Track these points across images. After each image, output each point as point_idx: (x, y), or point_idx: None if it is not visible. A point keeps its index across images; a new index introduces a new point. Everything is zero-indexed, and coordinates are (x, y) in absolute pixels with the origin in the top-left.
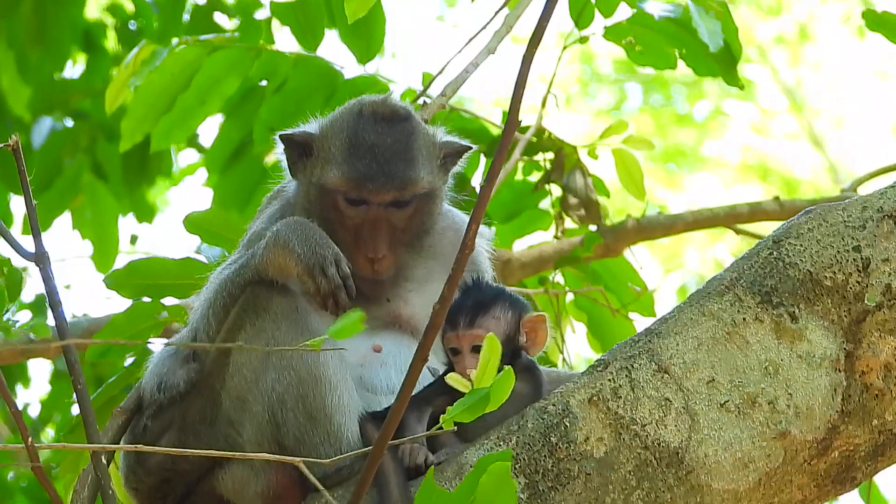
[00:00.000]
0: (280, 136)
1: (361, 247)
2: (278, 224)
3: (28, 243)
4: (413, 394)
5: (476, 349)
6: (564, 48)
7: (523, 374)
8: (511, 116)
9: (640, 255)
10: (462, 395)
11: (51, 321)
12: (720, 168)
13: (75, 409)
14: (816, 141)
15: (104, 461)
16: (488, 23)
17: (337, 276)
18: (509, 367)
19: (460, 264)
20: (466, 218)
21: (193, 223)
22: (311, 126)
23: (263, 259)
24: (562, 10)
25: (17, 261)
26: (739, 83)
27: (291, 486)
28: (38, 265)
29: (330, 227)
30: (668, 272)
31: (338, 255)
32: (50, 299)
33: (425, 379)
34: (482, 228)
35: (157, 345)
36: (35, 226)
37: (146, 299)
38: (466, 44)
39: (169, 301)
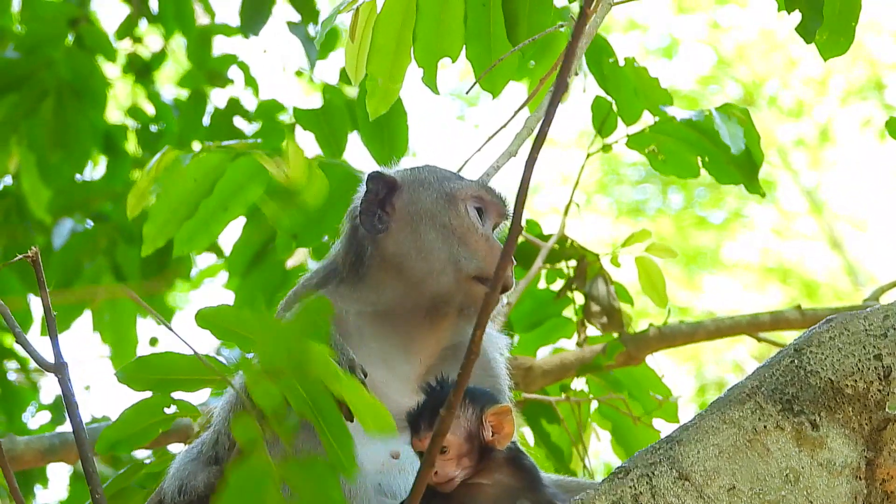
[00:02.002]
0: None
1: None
2: None
3: (47, 345)
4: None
5: (442, 451)
6: (587, 157)
7: (506, 466)
8: (514, 222)
9: (661, 358)
10: (452, 495)
11: (68, 427)
12: (740, 270)
13: None
14: (836, 243)
15: None
16: (507, 123)
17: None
18: None
19: (466, 370)
20: (500, 335)
21: (205, 319)
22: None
23: None
24: (584, 112)
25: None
26: (761, 191)
27: None
28: (56, 375)
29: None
30: (690, 374)
31: (352, 361)
32: (68, 409)
33: None
34: (499, 337)
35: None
36: (54, 334)
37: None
38: (485, 143)
39: (179, 396)
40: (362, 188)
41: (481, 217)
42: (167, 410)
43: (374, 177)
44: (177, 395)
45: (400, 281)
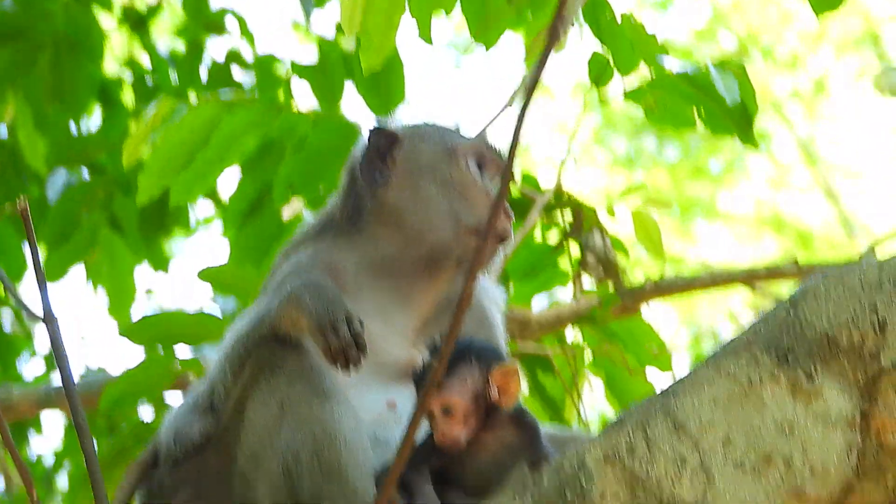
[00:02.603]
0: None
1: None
2: (293, 281)
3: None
4: (411, 457)
5: (446, 411)
6: (584, 111)
7: (510, 423)
8: (505, 174)
9: (656, 307)
10: (454, 455)
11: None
12: (735, 221)
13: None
14: (831, 194)
15: None
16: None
17: (348, 334)
18: None
19: (457, 320)
20: (496, 287)
21: (209, 277)
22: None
23: (277, 315)
24: (580, 63)
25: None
26: (755, 144)
27: None
28: (46, 325)
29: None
30: (685, 322)
31: (349, 313)
32: (58, 360)
33: None
34: (495, 290)
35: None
36: (43, 286)
37: (160, 349)
38: (495, 117)
39: (183, 352)
40: (363, 142)
41: (481, 172)
42: (172, 367)
43: (376, 131)
44: (178, 346)
45: (399, 234)
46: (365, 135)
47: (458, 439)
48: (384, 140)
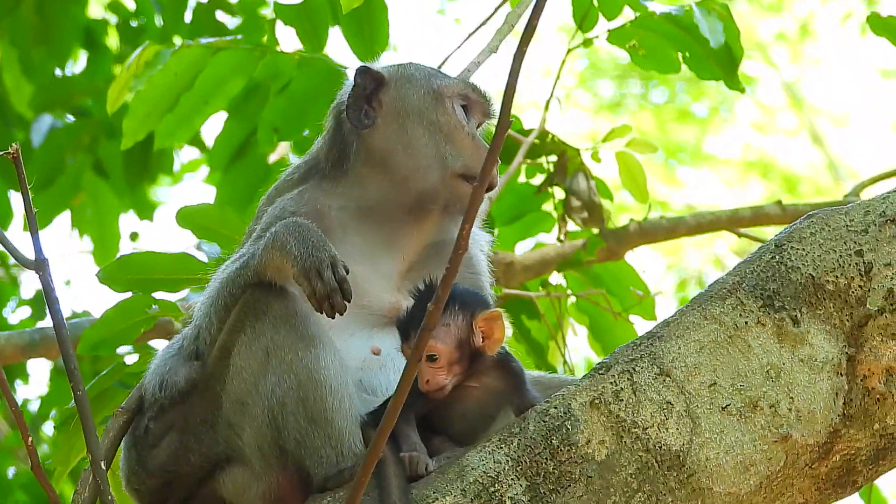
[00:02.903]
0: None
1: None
2: (277, 225)
3: (29, 242)
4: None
5: (431, 358)
6: (568, 52)
7: (494, 369)
8: (502, 118)
9: (642, 252)
10: (439, 402)
11: (48, 322)
12: (721, 165)
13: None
14: (816, 138)
15: (103, 466)
16: (487, 19)
17: (332, 278)
18: None
19: (454, 265)
20: (482, 232)
21: (186, 217)
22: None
23: (262, 260)
24: (566, 8)
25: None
26: (740, 87)
27: (292, 489)
28: (37, 272)
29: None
30: (671, 268)
31: (334, 258)
32: (49, 306)
33: None
34: (481, 234)
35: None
36: (34, 231)
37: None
38: (465, 40)
39: (161, 296)
40: (349, 83)
41: (467, 115)
42: (149, 311)
43: (363, 71)
44: (158, 294)
45: (384, 177)
46: (351, 77)
47: (443, 386)
48: (371, 81)
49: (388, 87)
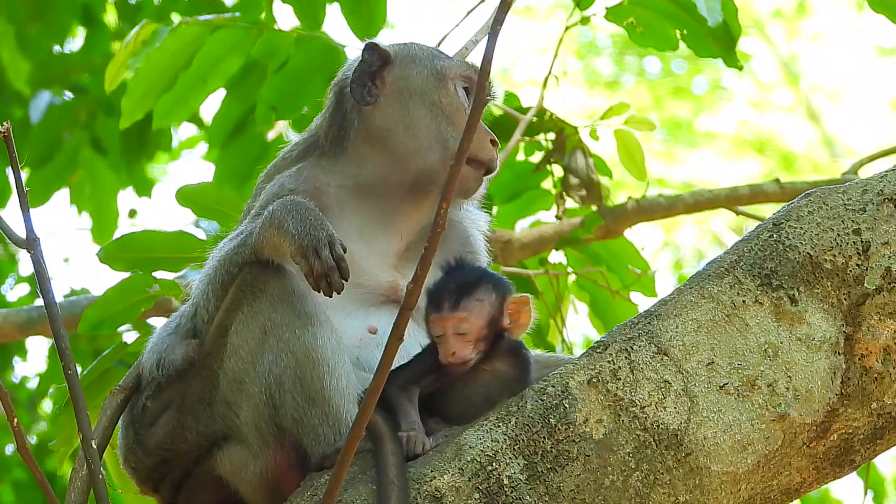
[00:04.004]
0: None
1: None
2: (275, 204)
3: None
4: (401, 374)
5: (461, 331)
6: (566, 29)
7: (507, 355)
8: (478, 93)
9: (640, 229)
10: (448, 375)
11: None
12: (717, 141)
13: None
14: (813, 115)
15: (95, 446)
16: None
17: (330, 257)
18: None
19: (432, 243)
20: (480, 212)
21: (186, 196)
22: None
23: (259, 239)
24: None
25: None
26: (738, 65)
27: (290, 467)
28: (28, 250)
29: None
30: (667, 244)
31: (332, 237)
32: (41, 285)
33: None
34: (478, 214)
35: (154, 322)
36: (26, 209)
37: (139, 272)
38: (463, 19)
39: (161, 275)
40: (353, 59)
41: (468, 97)
42: (150, 290)
43: (371, 48)
44: (158, 273)
45: (384, 155)
46: (350, 55)
47: (467, 360)
48: (377, 58)
49: (393, 66)
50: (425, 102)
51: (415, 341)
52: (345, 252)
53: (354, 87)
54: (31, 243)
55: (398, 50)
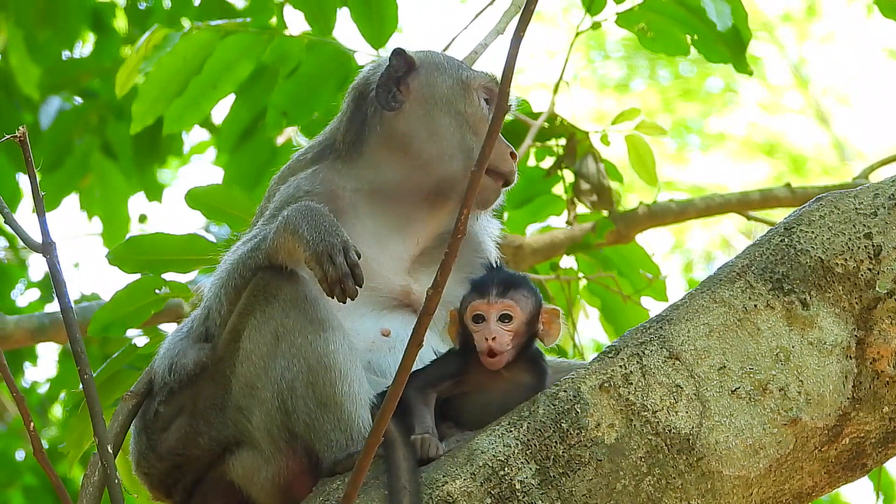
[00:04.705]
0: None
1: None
2: (289, 209)
3: (37, 224)
4: (420, 377)
5: (503, 318)
6: (577, 35)
7: (528, 365)
8: (500, 101)
9: (650, 233)
10: (467, 381)
11: (57, 305)
12: (727, 144)
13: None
14: (823, 118)
15: (110, 450)
16: (493, 0)
17: (345, 263)
18: None
19: (452, 249)
20: (491, 219)
21: (196, 199)
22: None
23: (273, 244)
24: None
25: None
26: (748, 70)
27: (302, 472)
28: (44, 255)
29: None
30: (677, 247)
31: (346, 243)
32: (56, 289)
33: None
34: (490, 222)
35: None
36: (41, 213)
37: (148, 275)
38: (471, 22)
39: (171, 277)
40: (377, 64)
41: (489, 107)
42: (159, 292)
43: (398, 53)
44: (168, 275)
45: (404, 161)
46: (360, 61)
47: (503, 352)
48: (403, 63)
49: (418, 73)
50: (450, 111)
51: (428, 347)
52: (359, 258)
53: (380, 91)
54: (47, 247)
55: (422, 57)
